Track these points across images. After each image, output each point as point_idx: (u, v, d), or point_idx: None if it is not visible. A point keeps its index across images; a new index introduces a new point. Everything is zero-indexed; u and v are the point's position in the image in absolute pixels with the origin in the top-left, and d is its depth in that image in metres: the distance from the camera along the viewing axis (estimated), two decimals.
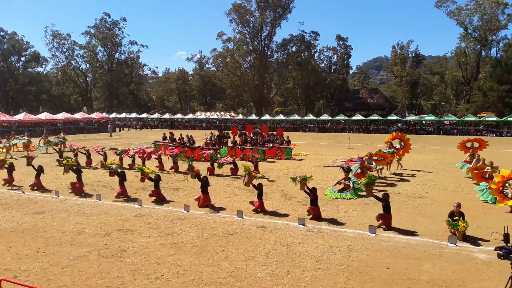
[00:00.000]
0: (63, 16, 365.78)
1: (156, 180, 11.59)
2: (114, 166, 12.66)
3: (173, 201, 11.44)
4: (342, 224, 9.12)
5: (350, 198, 11.71)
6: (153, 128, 60.36)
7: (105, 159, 18.36)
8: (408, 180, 14.95)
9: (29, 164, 13.79)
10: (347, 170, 12.85)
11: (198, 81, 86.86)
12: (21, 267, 6.63)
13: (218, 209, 10.44)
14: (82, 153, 18.92)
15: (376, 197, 9.23)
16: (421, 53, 75.35)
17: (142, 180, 12.39)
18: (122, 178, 12.04)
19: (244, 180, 11.10)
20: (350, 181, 12.30)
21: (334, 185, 12.51)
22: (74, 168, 12.91)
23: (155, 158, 17.63)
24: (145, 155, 17.95)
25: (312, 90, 73.48)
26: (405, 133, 45.41)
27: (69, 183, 12.92)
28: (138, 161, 18.06)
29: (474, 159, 15.46)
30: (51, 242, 7.86)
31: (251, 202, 10.34)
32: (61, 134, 27.25)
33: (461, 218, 8.10)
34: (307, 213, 9.65)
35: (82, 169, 13.97)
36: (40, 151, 21.58)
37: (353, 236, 8.22)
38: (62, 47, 73.49)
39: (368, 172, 13.54)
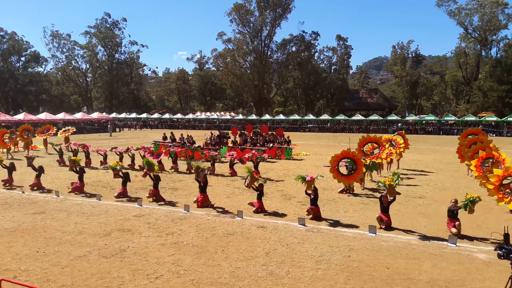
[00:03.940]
0: (63, 16, 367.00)
1: (156, 180, 11.57)
2: (119, 167, 12.54)
3: (173, 201, 11.44)
4: (342, 224, 9.12)
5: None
6: (153, 128, 60.40)
7: (105, 159, 18.37)
8: (408, 180, 14.95)
9: (29, 164, 13.77)
10: (350, 169, 12.81)
11: (198, 81, 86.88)
12: (21, 267, 6.63)
13: (217, 209, 10.45)
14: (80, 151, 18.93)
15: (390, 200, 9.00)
16: (421, 53, 75.50)
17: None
18: (126, 179, 12.04)
19: (245, 181, 10.97)
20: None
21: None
22: (78, 168, 12.88)
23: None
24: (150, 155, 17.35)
25: (312, 90, 73.52)
26: (405, 133, 45.61)
27: (69, 183, 12.94)
28: (138, 161, 18.08)
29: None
30: (51, 242, 7.85)
31: (251, 204, 10.28)
32: (69, 129, 27.36)
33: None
34: (307, 213, 9.65)
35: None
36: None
37: (353, 236, 8.22)
38: (62, 47, 73.59)
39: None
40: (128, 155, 18.23)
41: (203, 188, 10.80)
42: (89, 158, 18.71)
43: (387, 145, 13.94)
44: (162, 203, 11.15)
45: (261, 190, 10.32)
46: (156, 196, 11.44)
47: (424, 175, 16.19)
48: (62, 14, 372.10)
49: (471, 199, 8.27)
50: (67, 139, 25.68)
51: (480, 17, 56.50)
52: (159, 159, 16.58)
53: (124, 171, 12.54)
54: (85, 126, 50.84)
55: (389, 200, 8.96)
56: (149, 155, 16.34)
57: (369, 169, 13.96)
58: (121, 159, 18.05)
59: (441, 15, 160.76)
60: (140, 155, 18.17)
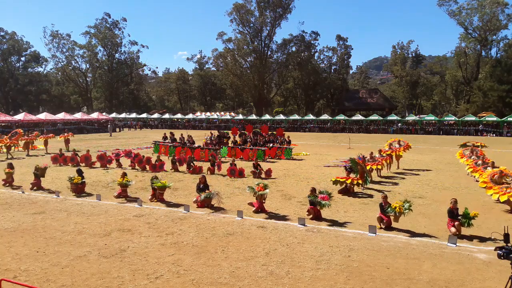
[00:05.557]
0: (63, 16, 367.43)
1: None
2: (131, 183, 12.05)
3: (172, 201, 11.44)
4: (342, 224, 9.12)
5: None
6: (153, 128, 60.39)
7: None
8: (408, 180, 14.95)
9: (42, 175, 13.37)
10: (349, 169, 12.85)
11: (198, 81, 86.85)
12: (21, 267, 6.63)
13: (217, 209, 10.45)
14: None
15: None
16: (421, 53, 75.46)
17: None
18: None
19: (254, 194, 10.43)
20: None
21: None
22: (80, 184, 12.62)
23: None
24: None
25: (312, 90, 73.48)
26: (405, 133, 45.78)
27: (69, 183, 12.90)
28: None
29: (473, 154, 15.51)
30: (51, 242, 7.85)
31: (251, 204, 10.28)
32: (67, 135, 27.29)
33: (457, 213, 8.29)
34: (307, 213, 9.65)
35: (83, 169, 13.95)
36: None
37: (353, 236, 8.22)
38: (62, 47, 73.53)
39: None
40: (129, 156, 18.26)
41: (202, 189, 10.80)
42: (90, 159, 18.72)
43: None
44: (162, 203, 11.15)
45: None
46: (156, 197, 11.45)
47: (424, 175, 16.18)
48: (62, 14, 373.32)
49: (472, 217, 8.24)
50: (67, 141, 25.69)
51: (480, 17, 56.46)
52: (163, 168, 16.81)
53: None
54: (85, 126, 50.82)
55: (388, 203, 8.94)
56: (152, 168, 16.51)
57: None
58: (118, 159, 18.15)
59: (441, 15, 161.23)
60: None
